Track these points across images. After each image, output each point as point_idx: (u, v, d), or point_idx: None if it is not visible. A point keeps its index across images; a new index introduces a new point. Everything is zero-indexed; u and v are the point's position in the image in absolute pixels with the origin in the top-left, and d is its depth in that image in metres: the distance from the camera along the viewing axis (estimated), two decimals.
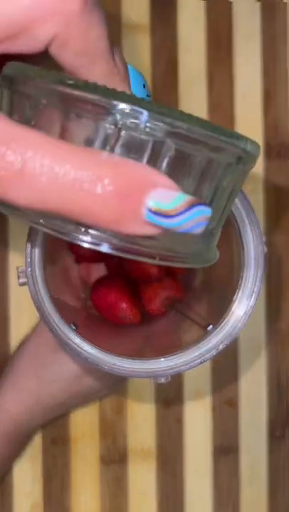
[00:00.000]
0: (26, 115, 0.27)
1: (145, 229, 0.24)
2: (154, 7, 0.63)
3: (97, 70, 0.28)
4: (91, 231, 0.25)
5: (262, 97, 0.63)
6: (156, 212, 0.23)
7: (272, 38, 0.64)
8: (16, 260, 0.61)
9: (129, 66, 0.32)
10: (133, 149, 0.25)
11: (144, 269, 0.56)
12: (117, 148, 0.25)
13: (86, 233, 0.25)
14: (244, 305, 0.48)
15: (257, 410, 0.62)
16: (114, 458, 0.61)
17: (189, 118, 0.25)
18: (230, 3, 0.64)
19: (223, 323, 0.48)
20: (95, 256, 0.57)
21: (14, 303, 0.61)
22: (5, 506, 0.61)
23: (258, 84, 0.63)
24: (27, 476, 0.61)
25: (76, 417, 0.61)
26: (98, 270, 0.59)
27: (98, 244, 0.26)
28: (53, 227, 0.26)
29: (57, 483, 0.61)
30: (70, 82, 0.25)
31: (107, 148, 0.25)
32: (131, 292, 0.57)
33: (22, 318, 0.61)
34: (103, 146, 0.25)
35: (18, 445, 0.59)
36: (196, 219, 0.24)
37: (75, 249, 0.57)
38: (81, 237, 0.25)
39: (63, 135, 0.25)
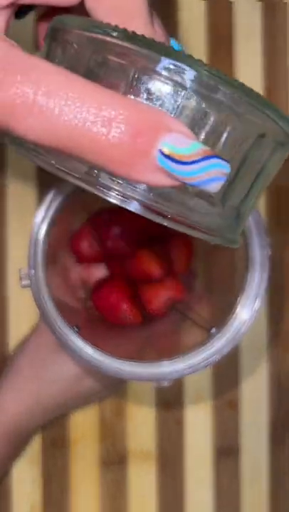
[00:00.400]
0: (58, 60, 0.27)
1: (156, 177, 0.23)
2: (154, 7, 0.63)
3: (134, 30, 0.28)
4: (104, 176, 0.25)
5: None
6: (169, 157, 0.23)
7: (272, 38, 0.64)
8: (15, 260, 0.61)
9: (173, 41, 0.31)
10: (164, 104, 0.24)
11: (144, 270, 0.56)
12: (144, 97, 0.24)
13: (98, 180, 0.25)
14: (248, 308, 0.48)
15: (258, 412, 0.62)
16: (114, 460, 0.61)
17: (237, 86, 0.24)
18: (231, 2, 0.64)
19: (226, 327, 0.48)
20: (96, 256, 0.57)
21: (13, 303, 0.61)
22: (4, 508, 0.61)
23: (259, 83, 0.64)
24: (26, 478, 0.61)
25: (76, 419, 0.61)
26: (99, 271, 0.59)
27: (107, 194, 0.25)
28: (65, 169, 0.25)
29: (56, 484, 0.61)
30: (108, 30, 0.25)
31: (132, 94, 0.24)
32: (132, 293, 0.57)
33: (21, 318, 0.61)
34: (129, 93, 0.24)
35: (18, 445, 0.58)
36: (212, 172, 0.23)
37: (76, 249, 0.57)
38: (94, 182, 0.25)
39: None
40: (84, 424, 0.61)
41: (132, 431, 0.61)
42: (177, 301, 0.57)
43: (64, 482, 0.61)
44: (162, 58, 0.24)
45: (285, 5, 0.64)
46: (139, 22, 0.28)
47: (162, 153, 0.22)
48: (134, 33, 0.24)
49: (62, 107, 0.22)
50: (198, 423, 0.62)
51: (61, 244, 0.56)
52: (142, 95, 0.24)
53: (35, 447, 0.61)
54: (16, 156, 0.61)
